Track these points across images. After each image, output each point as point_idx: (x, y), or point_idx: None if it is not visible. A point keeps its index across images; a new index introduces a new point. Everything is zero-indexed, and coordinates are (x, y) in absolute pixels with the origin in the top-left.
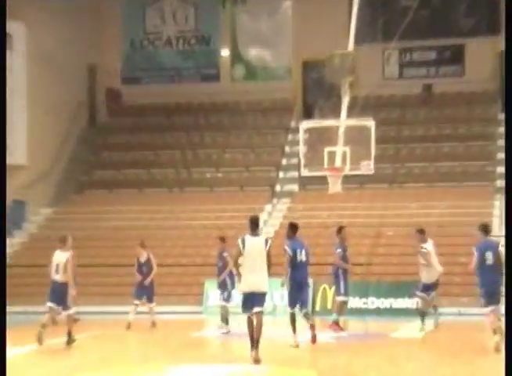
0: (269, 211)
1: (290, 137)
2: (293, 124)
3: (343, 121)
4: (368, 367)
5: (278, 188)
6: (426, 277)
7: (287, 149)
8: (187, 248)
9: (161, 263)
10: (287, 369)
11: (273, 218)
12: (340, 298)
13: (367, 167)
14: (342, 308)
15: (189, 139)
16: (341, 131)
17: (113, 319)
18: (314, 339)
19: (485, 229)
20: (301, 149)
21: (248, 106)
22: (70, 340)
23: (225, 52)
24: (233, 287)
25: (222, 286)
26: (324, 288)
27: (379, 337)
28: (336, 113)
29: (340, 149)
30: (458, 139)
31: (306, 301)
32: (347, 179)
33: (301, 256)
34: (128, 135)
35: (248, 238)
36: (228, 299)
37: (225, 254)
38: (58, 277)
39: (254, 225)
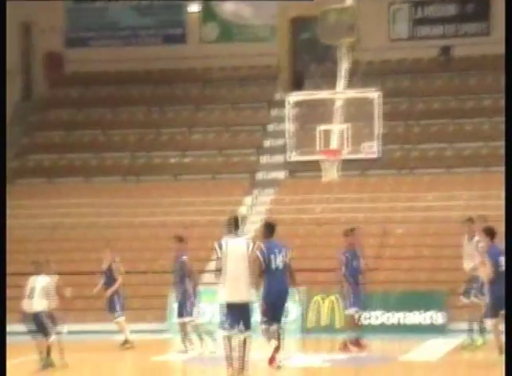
0: (249, 204)
1: (274, 113)
2: (278, 96)
3: (340, 93)
4: None
5: (260, 176)
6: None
7: (271, 127)
8: (145, 251)
9: None
10: None
11: (254, 213)
12: (349, 311)
13: (370, 149)
14: (352, 323)
15: (147, 116)
16: (338, 105)
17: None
18: (271, 360)
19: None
20: (289, 127)
21: (222, 73)
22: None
23: (193, 8)
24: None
25: (186, 298)
26: (317, 300)
27: (385, 360)
28: (331, 83)
29: (336, 127)
30: (483, 114)
31: (282, 314)
32: (345, 165)
33: (277, 262)
34: (72, 110)
35: (226, 240)
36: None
37: (184, 258)
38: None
39: (234, 226)
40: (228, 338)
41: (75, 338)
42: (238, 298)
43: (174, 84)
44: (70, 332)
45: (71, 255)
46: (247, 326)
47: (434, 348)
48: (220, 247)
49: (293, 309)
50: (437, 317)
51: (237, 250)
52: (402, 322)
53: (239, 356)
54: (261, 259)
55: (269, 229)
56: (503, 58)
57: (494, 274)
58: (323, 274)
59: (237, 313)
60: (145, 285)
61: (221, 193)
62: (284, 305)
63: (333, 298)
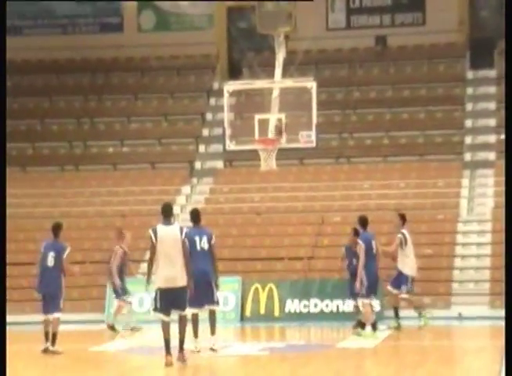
0: (187, 193)
1: (212, 102)
2: (216, 85)
3: (278, 82)
4: None
5: (198, 165)
6: (409, 269)
7: (209, 116)
8: (83, 241)
9: None
10: None
11: (192, 202)
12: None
13: (308, 138)
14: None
15: (84, 105)
16: (276, 94)
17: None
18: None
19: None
20: (226, 116)
21: (159, 63)
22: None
23: None
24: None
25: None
26: (256, 288)
27: (323, 347)
28: (269, 72)
29: (274, 116)
30: (418, 103)
31: (213, 296)
32: (283, 154)
33: (202, 244)
34: (8, 99)
35: (161, 228)
36: None
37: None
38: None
39: (167, 214)
40: (166, 324)
41: (15, 329)
42: (173, 283)
43: (111, 73)
44: (10, 323)
45: (7, 246)
46: (183, 308)
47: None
48: (155, 233)
49: (231, 297)
50: (374, 304)
51: (170, 236)
52: (340, 309)
53: (180, 333)
54: (186, 242)
55: (194, 216)
56: (438, 48)
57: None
58: (261, 263)
59: (172, 298)
60: (83, 275)
61: (160, 183)
62: (210, 285)
63: (271, 286)
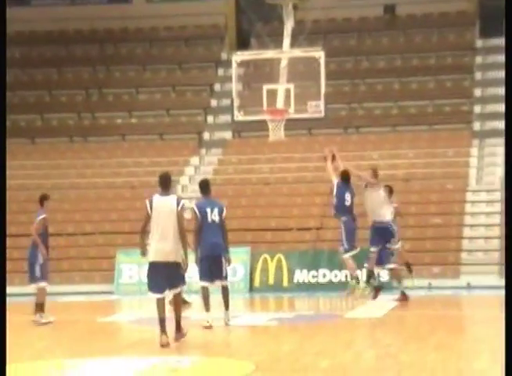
0: (196, 164)
1: (220, 72)
2: (224, 56)
3: (286, 52)
4: (318, 355)
5: (206, 136)
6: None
7: (217, 87)
8: (92, 213)
9: (60, 232)
10: (219, 360)
11: (201, 173)
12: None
13: (316, 108)
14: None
15: (93, 76)
16: (284, 64)
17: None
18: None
19: None
20: (235, 87)
21: (168, 33)
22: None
23: None
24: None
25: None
26: (265, 258)
27: (331, 317)
28: (277, 42)
29: (282, 86)
30: (428, 72)
31: (222, 271)
32: (291, 124)
33: (213, 216)
34: (15, 70)
35: (157, 198)
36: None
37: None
38: None
39: (165, 184)
40: (160, 301)
41: (21, 300)
42: (165, 257)
43: (120, 44)
44: (14, 294)
45: (16, 217)
46: (176, 286)
47: (380, 305)
48: (150, 204)
49: (240, 268)
50: (383, 274)
51: (166, 207)
52: (348, 280)
53: (175, 312)
54: (197, 213)
55: (203, 186)
56: (447, 16)
57: None
58: (271, 233)
59: (165, 274)
60: (93, 246)
61: (169, 154)
62: (220, 259)
63: (280, 256)
